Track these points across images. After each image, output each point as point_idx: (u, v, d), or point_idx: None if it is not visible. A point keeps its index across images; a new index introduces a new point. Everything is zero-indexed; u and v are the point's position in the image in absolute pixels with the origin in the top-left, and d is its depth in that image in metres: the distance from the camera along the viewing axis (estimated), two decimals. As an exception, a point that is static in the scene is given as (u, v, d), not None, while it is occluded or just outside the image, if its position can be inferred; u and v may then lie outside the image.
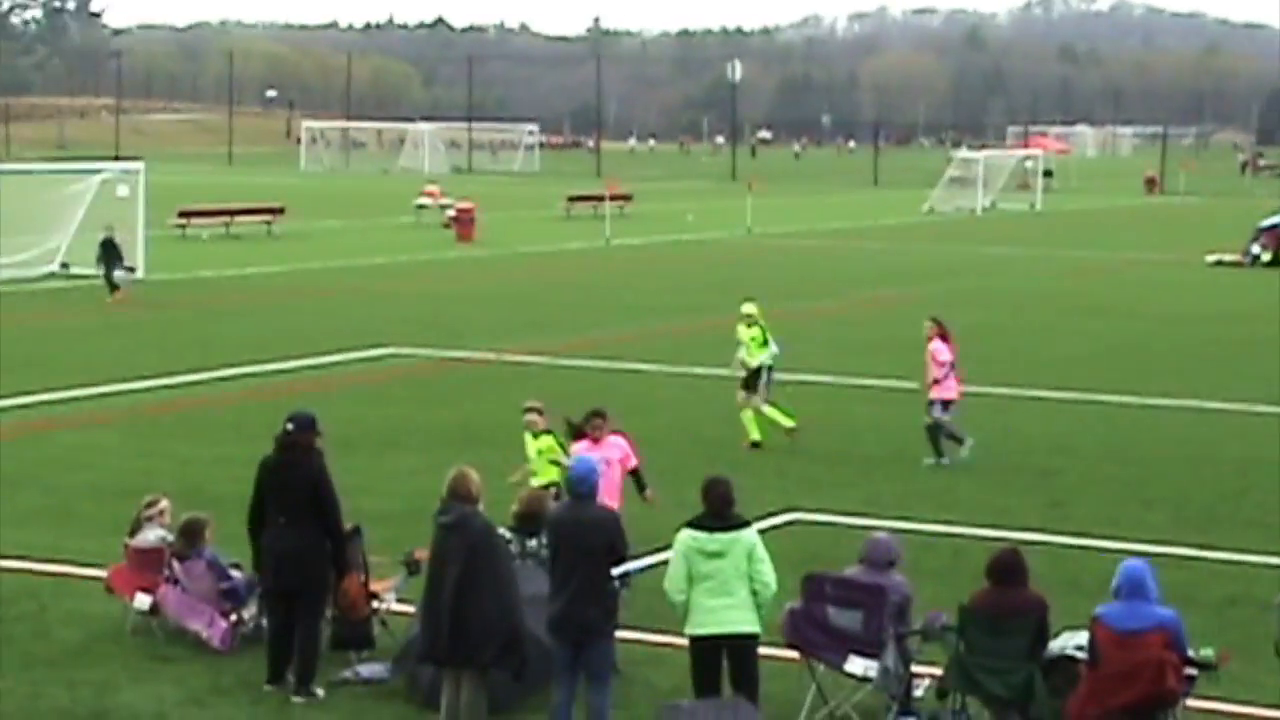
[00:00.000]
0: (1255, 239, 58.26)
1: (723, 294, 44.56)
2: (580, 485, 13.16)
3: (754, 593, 12.82)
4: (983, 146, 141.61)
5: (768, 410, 24.94)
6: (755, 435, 24.65)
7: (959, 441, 24.00)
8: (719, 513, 12.91)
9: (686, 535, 12.90)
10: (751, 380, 25.00)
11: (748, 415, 24.84)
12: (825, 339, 36.93)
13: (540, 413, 17.76)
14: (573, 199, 79.31)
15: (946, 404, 24.09)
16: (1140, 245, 65.52)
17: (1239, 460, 24.62)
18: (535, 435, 17.75)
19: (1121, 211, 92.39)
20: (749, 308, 25.37)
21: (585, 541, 12.90)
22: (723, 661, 12.98)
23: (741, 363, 25.24)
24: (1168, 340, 37.70)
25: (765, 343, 25.16)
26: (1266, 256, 57.11)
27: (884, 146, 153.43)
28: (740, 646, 12.90)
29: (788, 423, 24.91)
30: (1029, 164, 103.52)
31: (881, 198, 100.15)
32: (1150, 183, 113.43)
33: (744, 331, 25.27)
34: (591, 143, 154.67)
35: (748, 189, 73.01)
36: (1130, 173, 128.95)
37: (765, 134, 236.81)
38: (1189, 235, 69.68)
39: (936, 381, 24.02)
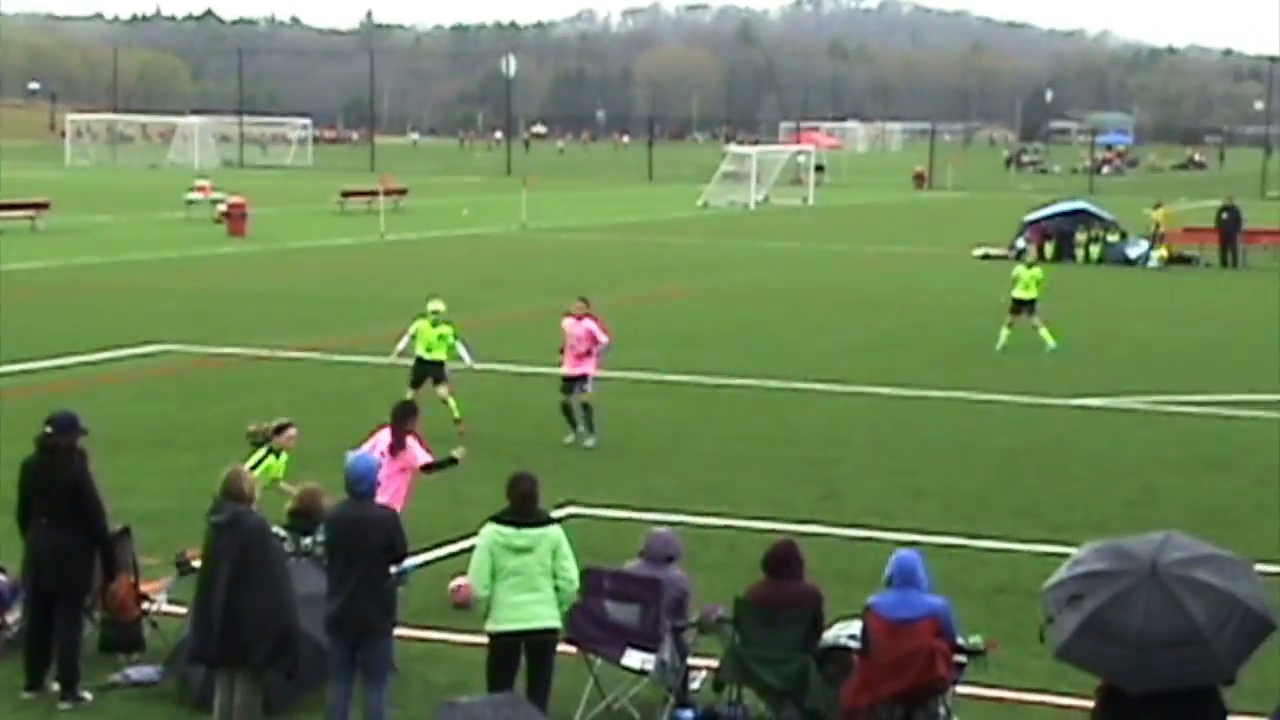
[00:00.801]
0: (1021, 233, 59.41)
1: (498, 290, 44.58)
2: (358, 484, 13.05)
3: (557, 589, 12.83)
4: (756, 142, 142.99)
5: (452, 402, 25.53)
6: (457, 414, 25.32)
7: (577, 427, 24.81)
8: (524, 509, 12.89)
9: (492, 530, 12.87)
10: (432, 374, 25.63)
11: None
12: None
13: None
14: (346, 194, 78.66)
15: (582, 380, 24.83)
16: (910, 239, 66.54)
17: (1006, 450, 25.11)
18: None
19: (891, 206, 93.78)
20: (436, 305, 25.91)
21: (364, 540, 12.81)
22: (520, 657, 12.96)
23: (401, 354, 25.98)
24: (937, 332, 38.33)
25: (454, 344, 25.76)
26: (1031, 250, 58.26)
27: (658, 142, 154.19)
28: (540, 642, 12.91)
29: (457, 414, 25.35)
30: (801, 159, 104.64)
31: (657, 193, 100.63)
32: (919, 178, 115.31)
33: (425, 327, 25.71)
34: (365, 137, 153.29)
35: (523, 184, 72.98)
36: (900, 168, 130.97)
37: (540, 129, 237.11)
38: (957, 229, 70.88)
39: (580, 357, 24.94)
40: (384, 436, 16.76)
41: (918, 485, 22.60)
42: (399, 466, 16.48)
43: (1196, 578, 11.11)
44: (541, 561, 12.76)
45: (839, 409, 28.41)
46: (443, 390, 25.66)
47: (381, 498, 14.23)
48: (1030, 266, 36.35)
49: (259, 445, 16.84)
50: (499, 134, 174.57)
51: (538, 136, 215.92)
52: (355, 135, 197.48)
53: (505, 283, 46.92)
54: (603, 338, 25.25)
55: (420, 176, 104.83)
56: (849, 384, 30.62)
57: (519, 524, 12.81)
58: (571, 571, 12.87)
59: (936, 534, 19.66)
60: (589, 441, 24.72)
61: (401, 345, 26.21)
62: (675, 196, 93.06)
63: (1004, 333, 34.91)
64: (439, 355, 25.76)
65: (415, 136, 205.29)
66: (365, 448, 16.22)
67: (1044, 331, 34.90)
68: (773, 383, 30.54)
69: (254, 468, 16.08)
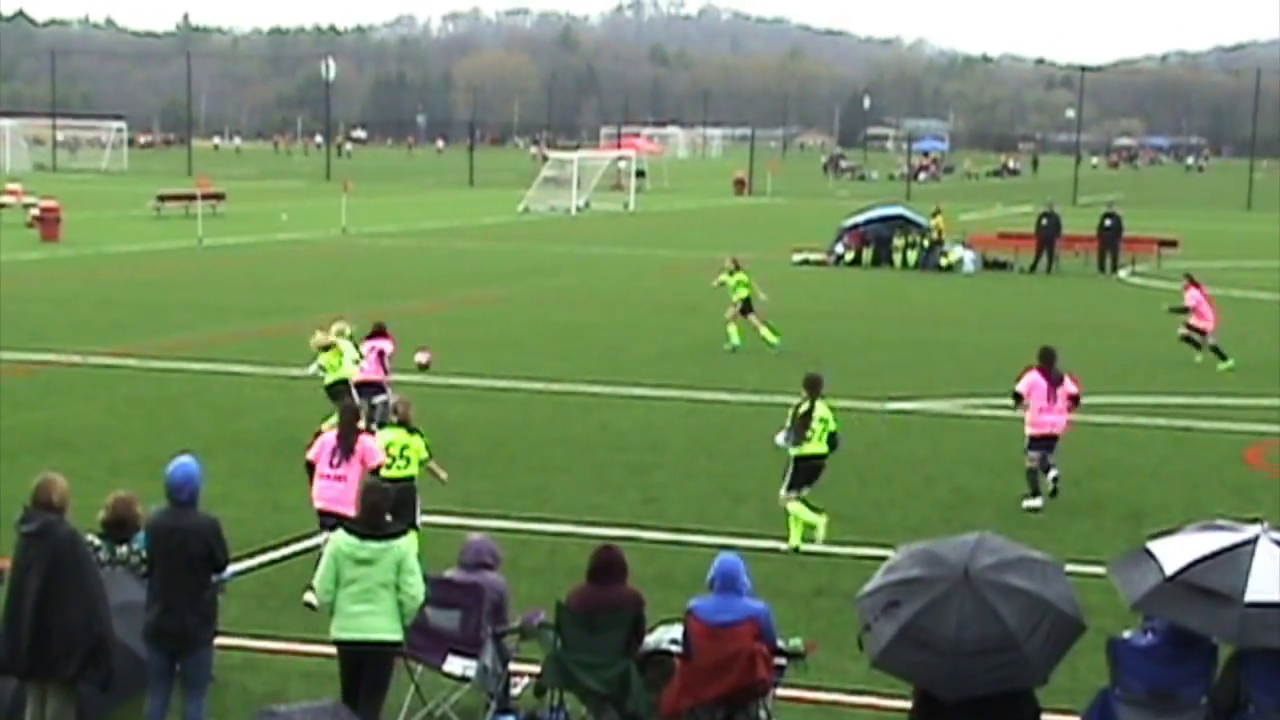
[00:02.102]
0: (839, 238, 60.04)
1: (317, 295, 44.20)
2: (179, 492, 12.88)
3: (400, 603, 12.73)
4: (577, 147, 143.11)
5: None
6: None
7: None
8: (371, 520, 12.79)
9: (340, 538, 12.79)
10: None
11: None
12: (420, 339, 36.81)
13: None
14: (163, 198, 77.62)
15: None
16: (730, 244, 66.73)
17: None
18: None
19: (713, 211, 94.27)
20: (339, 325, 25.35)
21: (185, 548, 12.66)
22: (361, 665, 12.87)
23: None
24: (755, 338, 38.57)
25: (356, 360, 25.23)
26: (849, 255, 58.97)
27: (479, 146, 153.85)
28: (374, 653, 12.79)
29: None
30: (622, 165, 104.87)
31: (478, 198, 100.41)
32: (739, 183, 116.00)
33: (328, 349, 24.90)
34: (186, 140, 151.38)
35: (343, 189, 72.50)
36: (720, 174, 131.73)
37: (360, 133, 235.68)
38: (776, 234, 71.39)
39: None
40: (329, 440, 17.00)
41: (737, 489, 22.73)
42: (356, 468, 16.70)
43: (1008, 582, 11.29)
44: (384, 574, 12.65)
45: (658, 413, 28.51)
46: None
47: (349, 496, 15.75)
48: (733, 273, 37.21)
49: (395, 426, 17.70)
50: (319, 138, 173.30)
51: (357, 141, 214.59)
52: (172, 138, 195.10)
53: (325, 287, 46.55)
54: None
55: (239, 181, 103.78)
56: (668, 388, 30.75)
57: (364, 535, 12.71)
58: (414, 586, 12.74)
59: (756, 537, 19.80)
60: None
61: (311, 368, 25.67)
62: (496, 201, 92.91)
63: (732, 329, 36.30)
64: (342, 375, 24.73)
65: (238, 141, 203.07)
66: (312, 453, 17.11)
67: (765, 330, 36.16)
68: (593, 387, 30.59)
69: (398, 451, 17.41)
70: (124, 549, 14.21)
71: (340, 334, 24.98)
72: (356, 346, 25.23)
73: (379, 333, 26.33)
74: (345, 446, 16.77)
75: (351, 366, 24.74)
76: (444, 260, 57.58)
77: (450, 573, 14.00)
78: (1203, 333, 35.09)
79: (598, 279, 51.92)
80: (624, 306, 44.32)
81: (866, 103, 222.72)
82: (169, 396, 29.16)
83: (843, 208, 75.23)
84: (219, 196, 76.90)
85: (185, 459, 13.13)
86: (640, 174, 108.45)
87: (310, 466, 17.10)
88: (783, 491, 19.89)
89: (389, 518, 12.97)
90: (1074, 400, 22.57)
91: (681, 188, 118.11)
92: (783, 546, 19.54)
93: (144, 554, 13.56)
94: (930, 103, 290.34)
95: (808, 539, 19.60)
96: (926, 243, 58.69)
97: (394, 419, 18.19)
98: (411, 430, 17.88)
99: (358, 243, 63.75)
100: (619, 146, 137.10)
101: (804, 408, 19.82)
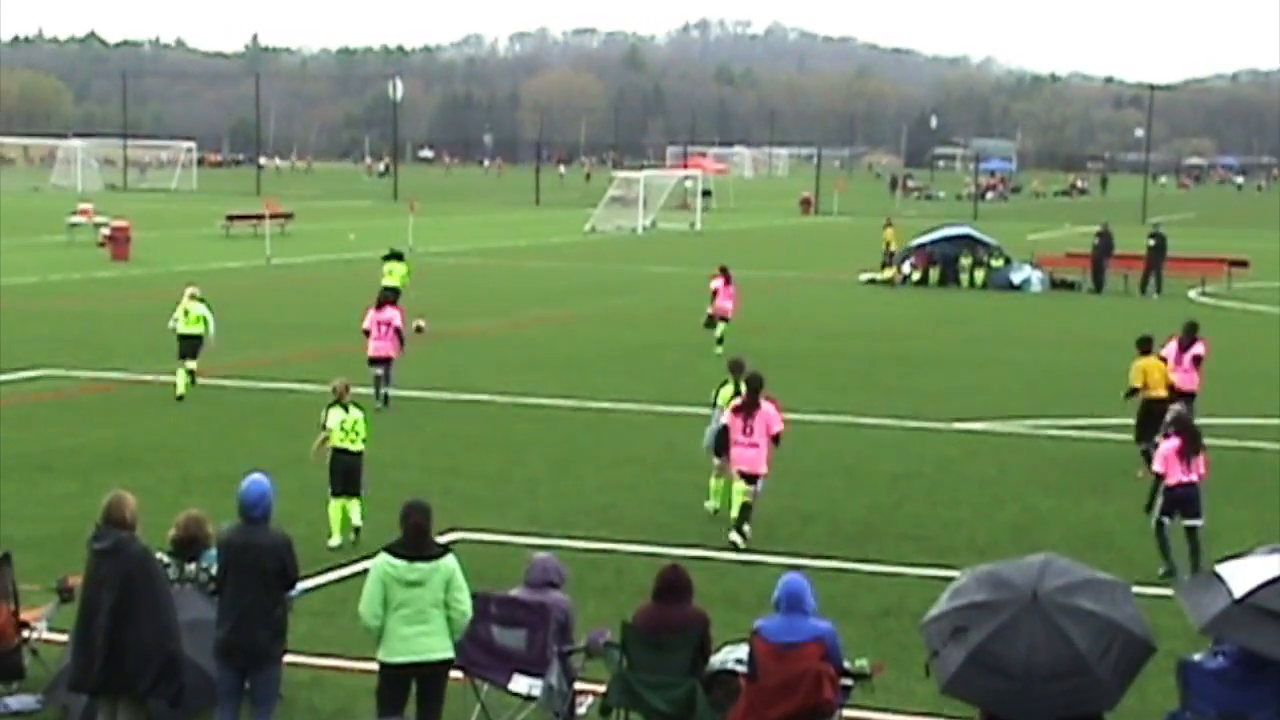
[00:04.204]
0: (905, 258, 59.91)
1: (385, 313, 44.25)
2: (253, 509, 12.92)
3: (449, 619, 12.72)
4: (642, 167, 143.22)
5: None
6: None
7: None
8: (416, 542, 12.71)
9: (384, 561, 12.71)
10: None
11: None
12: (488, 358, 36.98)
13: None
14: (232, 217, 78.15)
15: None
16: (796, 264, 66.89)
17: (892, 475, 25.26)
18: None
19: (778, 231, 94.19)
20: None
21: (258, 565, 12.71)
22: (410, 686, 12.86)
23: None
24: (822, 357, 38.51)
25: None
26: (916, 275, 58.81)
27: (545, 166, 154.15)
28: (431, 673, 12.79)
29: None
30: (688, 184, 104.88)
31: (544, 217, 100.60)
32: (805, 203, 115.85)
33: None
34: (255, 160, 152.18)
35: (409, 208, 72.72)
36: (786, 193, 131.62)
37: (427, 153, 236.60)
38: (842, 254, 71.33)
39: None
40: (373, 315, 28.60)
41: (805, 509, 22.69)
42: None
43: (1077, 605, 11.20)
44: (434, 594, 12.62)
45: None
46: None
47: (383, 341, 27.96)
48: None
49: (338, 405, 20.32)
50: (385, 160, 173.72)
51: (425, 160, 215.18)
52: (241, 158, 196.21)
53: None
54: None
55: (306, 200, 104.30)
56: (736, 408, 30.61)
57: (411, 557, 12.64)
58: (464, 603, 12.75)
59: (823, 558, 19.76)
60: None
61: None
62: (562, 221, 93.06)
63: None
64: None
65: (308, 161, 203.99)
66: (367, 322, 29.76)
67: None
68: (659, 407, 30.58)
69: (350, 426, 20.32)
70: (192, 567, 14.29)
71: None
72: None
73: (389, 303, 30.63)
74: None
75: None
76: (511, 280, 57.71)
77: (516, 592, 14.01)
78: None
79: (664, 298, 51.92)
80: (689, 326, 44.24)
81: (933, 122, 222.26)
82: (238, 415, 29.33)
83: (909, 228, 74.98)
84: (287, 216, 77.33)
85: (258, 476, 13.17)
86: (706, 193, 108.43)
87: (366, 332, 29.68)
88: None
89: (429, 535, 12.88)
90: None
91: (747, 207, 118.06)
92: (850, 567, 19.51)
93: (212, 572, 13.65)
94: (998, 122, 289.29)
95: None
96: (997, 262, 58.49)
97: (333, 398, 20.52)
98: (351, 407, 20.47)
99: (425, 262, 63.88)
100: (685, 166, 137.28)
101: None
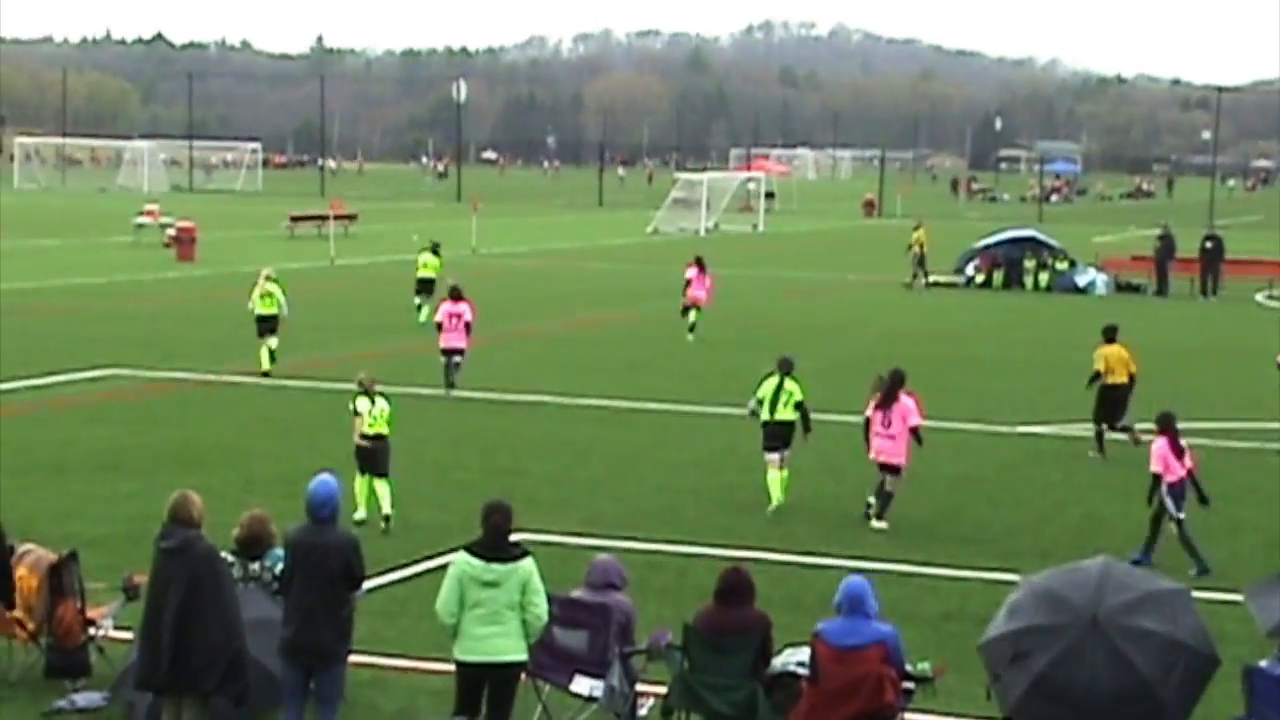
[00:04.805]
0: (969, 260, 59.71)
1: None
2: (320, 509, 12.98)
3: (524, 622, 12.73)
4: (705, 169, 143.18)
5: None
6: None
7: None
8: (495, 542, 12.73)
9: (462, 560, 12.72)
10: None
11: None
12: (550, 359, 37.05)
13: None
14: (296, 218, 78.50)
15: None
16: (859, 266, 66.73)
17: (953, 478, 25.19)
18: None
19: (841, 233, 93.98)
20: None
21: (325, 565, 12.77)
22: (484, 684, 12.88)
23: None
24: (885, 359, 38.26)
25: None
26: (980, 277, 58.61)
27: (609, 167, 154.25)
28: (501, 675, 12.81)
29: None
30: (751, 186, 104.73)
31: (607, 219, 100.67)
32: (869, 205, 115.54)
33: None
34: (319, 161, 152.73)
35: (472, 209, 72.92)
36: (849, 195, 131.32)
37: (490, 154, 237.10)
38: (906, 256, 71.02)
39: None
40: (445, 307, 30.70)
41: (863, 512, 22.60)
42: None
43: (1138, 625, 11.09)
44: (510, 596, 12.62)
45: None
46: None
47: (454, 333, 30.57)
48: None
49: (363, 394, 21.24)
50: (444, 161, 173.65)
51: (489, 162, 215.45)
52: (305, 159, 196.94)
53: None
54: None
55: (370, 201, 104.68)
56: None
57: (489, 558, 12.65)
58: (540, 606, 12.75)
59: (885, 560, 19.72)
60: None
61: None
62: (625, 223, 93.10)
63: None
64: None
65: (359, 162, 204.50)
66: (439, 314, 31.54)
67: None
68: (721, 409, 30.55)
69: (378, 413, 21.18)
70: (256, 566, 14.36)
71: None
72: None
73: (458, 297, 31.66)
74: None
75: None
76: (573, 281, 57.80)
77: (577, 593, 14.03)
78: None
79: (727, 300, 51.80)
80: (753, 328, 44.26)
81: (998, 124, 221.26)
82: (301, 415, 29.45)
83: (973, 230, 74.75)
84: (351, 217, 77.61)
85: (326, 477, 13.21)
86: (769, 195, 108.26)
87: (438, 324, 31.54)
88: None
89: (506, 533, 12.91)
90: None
91: (810, 209, 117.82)
92: (913, 570, 19.47)
93: (275, 571, 13.71)
94: (1063, 124, 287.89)
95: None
96: (1062, 265, 58.26)
97: (360, 389, 21.52)
98: (377, 398, 21.45)
99: (488, 263, 64.09)
100: (748, 168, 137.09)
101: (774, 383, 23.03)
